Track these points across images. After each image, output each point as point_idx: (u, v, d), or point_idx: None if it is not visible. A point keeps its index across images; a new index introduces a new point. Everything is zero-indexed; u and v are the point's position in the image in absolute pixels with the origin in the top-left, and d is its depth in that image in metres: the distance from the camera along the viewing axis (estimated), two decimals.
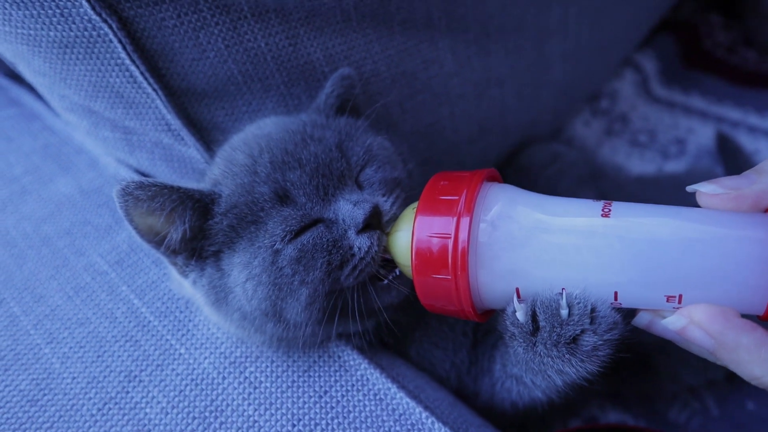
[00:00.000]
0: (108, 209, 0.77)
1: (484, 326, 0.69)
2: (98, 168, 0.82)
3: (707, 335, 0.43)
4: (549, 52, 0.90)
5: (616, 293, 0.46)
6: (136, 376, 0.64)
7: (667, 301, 0.45)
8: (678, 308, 0.45)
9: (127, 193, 0.54)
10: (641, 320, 0.48)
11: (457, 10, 0.77)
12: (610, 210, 0.47)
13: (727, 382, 0.86)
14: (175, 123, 0.68)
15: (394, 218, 0.58)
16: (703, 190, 0.46)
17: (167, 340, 0.66)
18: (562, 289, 0.48)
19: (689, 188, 0.48)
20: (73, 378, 0.64)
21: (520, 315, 0.49)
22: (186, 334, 0.66)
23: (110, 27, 0.59)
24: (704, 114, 1.18)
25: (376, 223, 0.57)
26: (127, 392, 0.63)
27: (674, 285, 0.44)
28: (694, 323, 0.43)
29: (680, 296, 0.44)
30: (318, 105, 0.66)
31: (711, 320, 0.42)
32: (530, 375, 0.57)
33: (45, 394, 0.63)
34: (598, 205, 0.48)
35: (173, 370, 0.64)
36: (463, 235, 0.48)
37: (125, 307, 0.69)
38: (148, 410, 0.61)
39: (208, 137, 0.70)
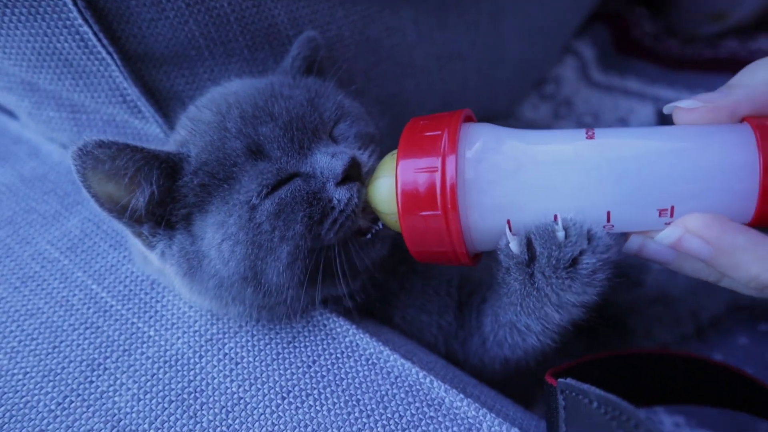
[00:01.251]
0: (55, 196, 0.70)
1: (468, 288, 0.68)
2: (41, 156, 0.75)
3: (704, 242, 0.43)
4: (503, 29, 0.92)
5: (609, 214, 0.46)
6: (100, 364, 0.57)
7: (660, 215, 0.45)
8: (670, 223, 0.45)
9: (85, 153, 0.49)
10: (632, 245, 0.48)
11: None
12: (593, 133, 0.47)
13: (697, 337, 0.88)
14: (132, 92, 0.63)
15: (372, 171, 0.56)
16: (682, 105, 0.47)
17: (133, 323, 0.60)
18: (555, 215, 0.47)
19: (667, 107, 0.48)
20: (26, 373, 0.57)
21: (514, 245, 0.48)
22: (154, 315, 0.61)
23: None
24: (642, 95, 1.25)
25: (356, 175, 0.54)
26: (91, 382, 0.56)
27: (665, 197, 0.44)
28: (689, 232, 0.43)
29: (672, 208, 0.44)
30: (284, 67, 0.64)
31: (706, 226, 0.43)
32: (524, 317, 0.55)
33: None
34: (580, 132, 0.48)
35: (143, 353, 0.58)
36: (450, 166, 0.46)
37: (82, 293, 0.62)
38: (117, 398, 0.55)
39: (167, 108, 0.66)
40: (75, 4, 0.56)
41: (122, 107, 0.65)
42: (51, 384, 0.56)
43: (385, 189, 0.52)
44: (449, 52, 0.84)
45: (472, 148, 0.48)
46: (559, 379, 0.49)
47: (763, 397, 0.58)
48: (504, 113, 1.09)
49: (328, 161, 0.54)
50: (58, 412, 0.54)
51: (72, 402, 0.55)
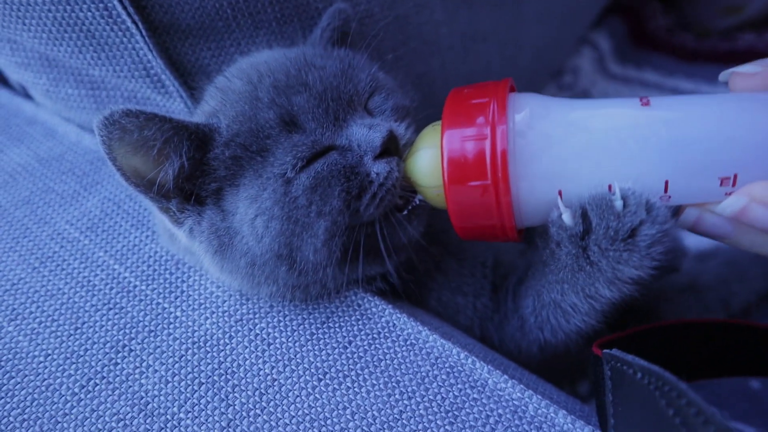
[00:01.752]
0: (73, 176, 0.68)
1: (502, 270, 0.66)
2: (57, 137, 0.72)
3: None
4: (526, 12, 0.91)
5: (666, 183, 0.44)
6: (125, 346, 0.55)
7: (721, 185, 0.43)
8: (731, 193, 0.43)
9: (112, 123, 0.46)
10: (688, 218, 0.46)
11: None
12: (648, 101, 0.45)
13: None
14: (157, 64, 0.61)
15: (410, 144, 0.53)
16: (742, 70, 0.45)
17: (158, 303, 0.57)
18: (609, 185, 0.45)
19: (723, 74, 0.46)
20: (47, 355, 0.54)
21: (567, 217, 0.46)
22: (180, 295, 0.58)
23: None
24: (660, 86, 1.23)
25: (394, 149, 0.52)
26: (116, 364, 0.53)
27: (727, 164, 0.42)
28: (755, 201, 0.41)
29: (735, 177, 0.42)
30: (314, 39, 0.62)
31: None
32: (572, 295, 0.53)
33: (12, 377, 0.53)
34: (634, 99, 0.46)
35: (170, 334, 0.55)
36: (500, 134, 0.44)
37: (104, 273, 0.60)
38: (143, 381, 0.52)
39: (192, 83, 0.63)
40: None
41: (145, 81, 0.63)
42: (74, 366, 0.53)
43: (427, 161, 0.49)
44: (473, 31, 0.82)
45: (520, 115, 0.46)
46: (605, 350, 0.47)
47: None
48: None
49: (365, 134, 0.51)
50: (82, 395, 0.51)
51: (96, 385, 0.52)
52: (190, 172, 0.51)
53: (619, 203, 0.44)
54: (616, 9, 1.38)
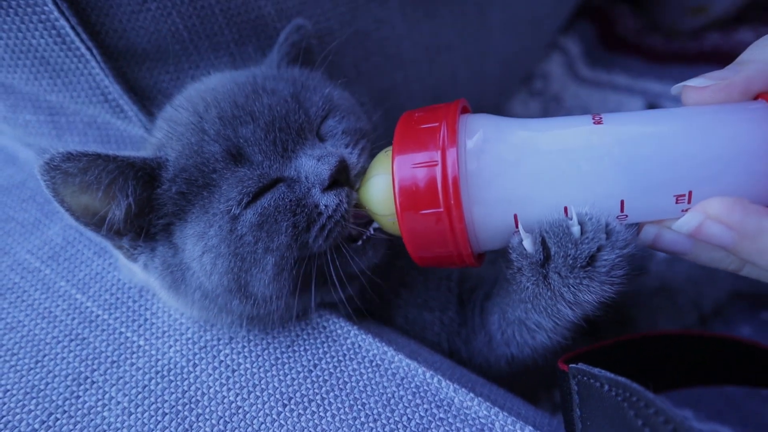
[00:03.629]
0: (35, 203, 0.67)
1: (469, 284, 0.66)
2: (18, 164, 0.71)
3: (726, 228, 0.40)
4: (491, 21, 0.91)
5: (622, 203, 0.44)
6: (87, 378, 0.54)
7: (677, 202, 0.43)
8: (688, 210, 0.43)
9: (53, 168, 0.46)
10: (647, 235, 0.46)
11: None
12: (601, 118, 0.45)
13: (701, 325, 0.87)
14: (114, 89, 0.60)
15: (363, 171, 0.53)
16: (693, 83, 0.45)
17: (121, 333, 0.57)
18: (565, 207, 0.45)
19: (675, 87, 0.47)
20: (6, 391, 0.53)
21: (528, 244, 0.45)
22: (143, 324, 0.58)
23: None
24: (630, 89, 1.24)
25: (344, 179, 0.52)
26: (78, 397, 0.53)
27: (682, 182, 0.42)
28: (711, 218, 0.41)
29: (690, 194, 0.42)
30: (271, 58, 0.61)
31: (728, 210, 0.40)
32: (536, 315, 0.53)
33: None
34: (586, 117, 0.46)
35: (132, 364, 0.55)
36: (451, 159, 0.43)
37: (66, 303, 0.59)
38: (105, 413, 0.52)
39: (151, 107, 0.63)
40: None
41: (103, 107, 0.62)
42: (34, 401, 0.52)
43: (380, 188, 0.49)
44: (437, 43, 0.82)
45: (472, 139, 0.45)
46: (571, 365, 0.47)
47: None
48: (493, 109, 1.08)
49: (313, 165, 0.51)
50: (42, 431, 0.51)
51: (57, 419, 0.51)
52: (139, 209, 0.51)
53: (576, 229, 0.44)
54: (584, 13, 1.39)
